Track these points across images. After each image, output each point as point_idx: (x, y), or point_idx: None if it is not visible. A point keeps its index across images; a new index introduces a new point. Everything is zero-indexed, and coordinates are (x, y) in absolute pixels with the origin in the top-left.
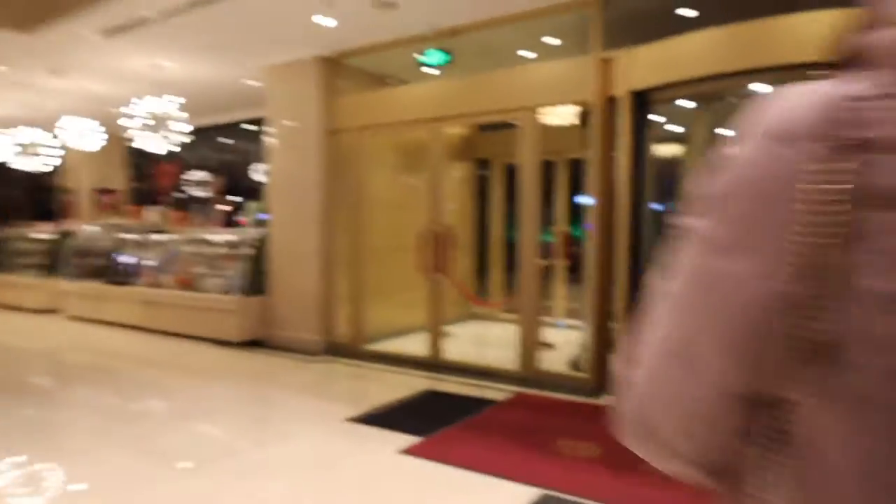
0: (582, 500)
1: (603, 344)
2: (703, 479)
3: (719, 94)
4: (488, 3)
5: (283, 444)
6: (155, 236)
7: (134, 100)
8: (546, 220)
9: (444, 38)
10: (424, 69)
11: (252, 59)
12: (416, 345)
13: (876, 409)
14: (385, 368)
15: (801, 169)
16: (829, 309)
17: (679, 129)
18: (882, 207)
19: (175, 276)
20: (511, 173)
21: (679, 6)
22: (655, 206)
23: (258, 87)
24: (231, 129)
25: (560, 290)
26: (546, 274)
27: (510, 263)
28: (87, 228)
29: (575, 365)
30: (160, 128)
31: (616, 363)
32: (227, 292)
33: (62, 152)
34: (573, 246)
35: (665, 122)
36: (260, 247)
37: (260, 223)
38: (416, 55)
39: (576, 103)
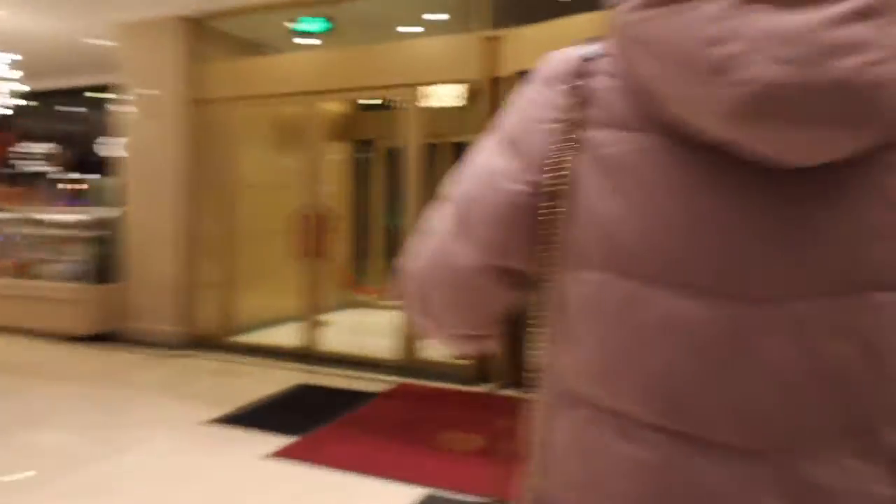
0: (468, 498)
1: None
2: (468, 348)
3: None
4: None
5: (134, 452)
6: None
7: None
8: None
9: (323, 5)
10: (302, 39)
11: (102, 13)
12: (290, 335)
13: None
14: (255, 362)
15: (554, 102)
16: (565, 197)
17: None
18: (598, 126)
19: (7, 261)
20: (393, 156)
21: None
22: None
23: (110, 48)
24: (78, 95)
25: None
26: None
27: (392, 249)
28: None
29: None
30: None
31: (401, 257)
32: (71, 280)
33: None
34: None
35: None
36: (112, 229)
37: (113, 202)
38: (288, 23)
39: (461, 82)
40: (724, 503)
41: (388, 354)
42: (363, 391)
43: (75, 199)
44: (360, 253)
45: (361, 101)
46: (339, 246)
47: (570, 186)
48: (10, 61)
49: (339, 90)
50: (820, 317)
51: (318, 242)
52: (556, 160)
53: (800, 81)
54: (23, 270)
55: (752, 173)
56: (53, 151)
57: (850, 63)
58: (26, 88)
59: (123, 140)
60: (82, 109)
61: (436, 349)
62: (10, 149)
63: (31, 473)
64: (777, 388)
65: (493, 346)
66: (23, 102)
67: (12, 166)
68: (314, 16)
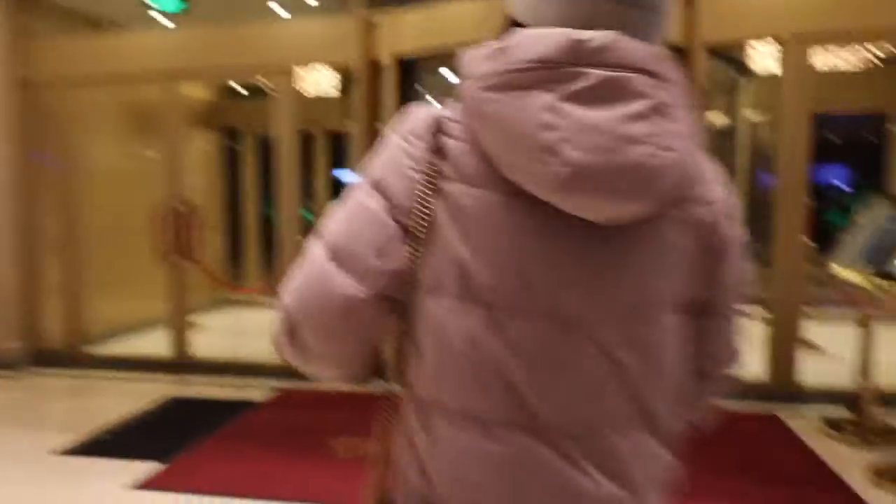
0: None
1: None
2: (342, 375)
3: None
4: None
5: None
6: None
7: None
8: (307, 197)
9: None
10: (153, 14)
11: None
12: (156, 343)
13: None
14: (115, 376)
15: (415, 154)
16: (427, 237)
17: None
18: (450, 180)
19: None
20: (266, 145)
21: None
22: None
23: None
24: None
25: None
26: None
27: (269, 243)
28: None
29: None
30: None
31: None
32: None
33: None
34: None
35: (432, 95)
36: None
37: None
38: None
39: (337, 67)
40: (554, 473)
41: (269, 358)
42: (243, 400)
43: None
44: (234, 249)
45: (230, 87)
46: (210, 242)
47: (430, 229)
48: None
49: (202, 72)
50: (615, 332)
51: (184, 239)
52: (419, 207)
53: (603, 164)
54: None
55: (570, 226)
56: None
57: (640, 151)
58: None
59: None
60: None
61: None
62: None
63: None
64: (585, 387)
65: (367, 377)
66: None
67: None
68: None
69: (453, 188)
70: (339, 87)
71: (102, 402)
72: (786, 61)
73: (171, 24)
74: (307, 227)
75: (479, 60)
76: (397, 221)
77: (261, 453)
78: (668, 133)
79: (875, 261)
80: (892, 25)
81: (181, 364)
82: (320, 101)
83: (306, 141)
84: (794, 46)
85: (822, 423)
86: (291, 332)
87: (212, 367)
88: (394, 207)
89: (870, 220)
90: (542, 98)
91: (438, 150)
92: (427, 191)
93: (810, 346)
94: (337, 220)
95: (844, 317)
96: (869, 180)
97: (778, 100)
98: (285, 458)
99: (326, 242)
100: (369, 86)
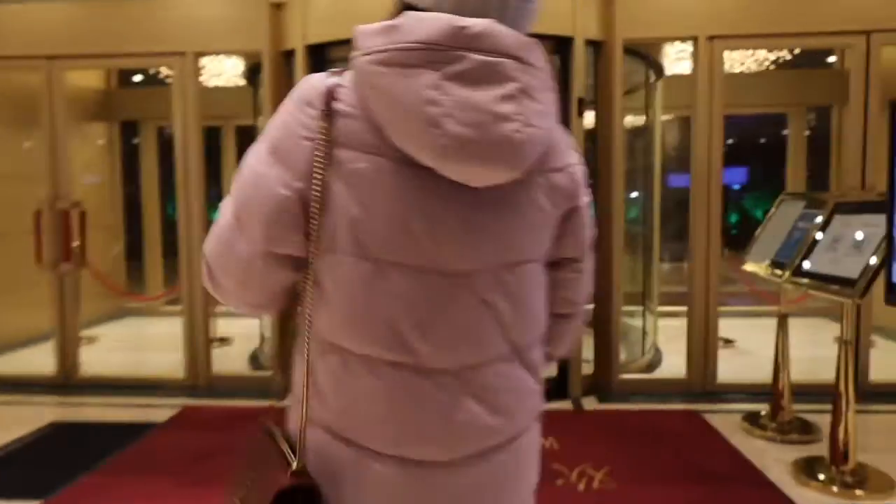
0: None
1: (287, 331)
2: (261, 313)
3: None
4: None
5: None
6: None
7: None
8: (214, 196)
9: None
10: None
11: None
12: (41, 360)
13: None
14: None
15: (308, 122)
16: (322, 201)
17: None
18: (339, 146)
19: None
20: (169, 140)
21: None
22: None
23: None
24: None
25: None
26: None
27: (173, 247)
28: None
29: (256, 361)
30: None
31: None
32: None
33: None
34: None
35: None
36: None
37: None
38: None
39: (245, 54)
40: (437, 405)
41: (171, 372)
42: (138, 422)
43: None
44: (135, 253)
45: (128, 75)
46: (107, 246)
47: (325, 193)
48: None
49: (91, 55)
50: (489, 282)
51: (70, 244)
52: (314, 172)
53: (477, 137)
54: None
55: (451, 190)
56: None
57: (509, 127)
58: None
59: None
60: None
61: (230, 361)
62: None
63: None
64: (463, 329)
65: (280, 312)
66: None
67: None
68: None
69: (346, 154)
70: (248, 77)
71: None
72: (700, 62)
73: None
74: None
75: (370, 35)
76: (294, 188)
77: (158, 484)
78: (532, 112)
79: (787, 258)
80: (801, 30)
81: (68, 383)
82: (227, 93)
83: (213, 136)
84: (708, 48)
85: (741, 419)
86: (210, 274)
87: (106, 386)
88: (290, 174)
89: (781, 219)
90: (428, 76)
91: (330, 117)
92: (320, 157)
93: (723, 340)
94: (238, 182)
95: (749, 312)
96: (765, 180)
97: (693, 100)
98: (184, 488)
99: (230, 203)
100: (278, 75)
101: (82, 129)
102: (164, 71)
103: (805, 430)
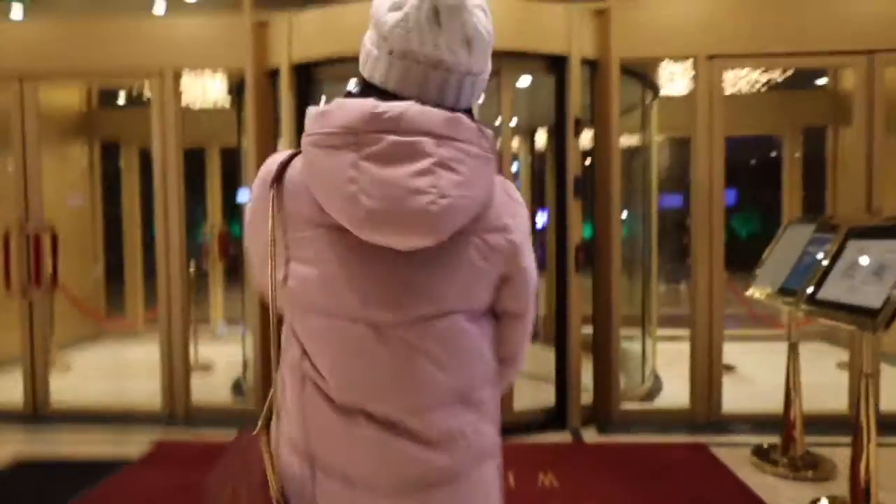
0: None
1: (270, 360)
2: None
3: None
4: None
5: None
6: None
7: None
8: (198, 218)
9: None
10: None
11: None
12: (8, 389)
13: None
14: None
15: (267, 199)
16: (286, 265)
17: None
18: (287, 217)
19: None
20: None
21: None
22: None
23: None
24: None
25: (217, 296)
26: (200, 279)
27: (154, 269)
28: None
29: (238, 389)
30: None
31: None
32: None
33: None
34: (231, 246)
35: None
36: None
37: None
38: None
39: (227, 72)
40: (376, 449)
41: (147, 402)
42: (110, 459)
43: None
44: (113, 276)
45: (109, 94)
46: (86, 269)
47: (282, 255)
48: None
49: (65, 73)
50: (418, 334)
51: (40, 268)
52: (273, 240)
53: (393, 210)
54: None
55: (378, 250)
56: None
57: (423, 200)
58: None
59: None
60: None
61: (211, 389)
62: None
63: None
64: (395, 378)
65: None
66: None
67: None
68: None
69: (296, 225)
70: (232, 98)
71: None
72: (700, 82)
73: (19, 17)
74: (199, 251)
75: (311, 119)
76: (264, 251)
77: None
78: (449, 183)
79: (797, 285)
80: (802, 49)
81: (38, 415)
82: (210, 115)
83: (197, 158)
84: (707, 67)
85: (750, 453)
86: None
87: (77, 418)
88: (259, 240)
89: (789, 244)
90: (349, 157)
91: (281, 191)
92: (280, 227)
93: (725, 367)
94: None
95: (746, 336)
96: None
97: (692, 121)
98: None
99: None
100: (262, 96)
101: (60, 150)
102: (147, 92)
103: (818, 466)
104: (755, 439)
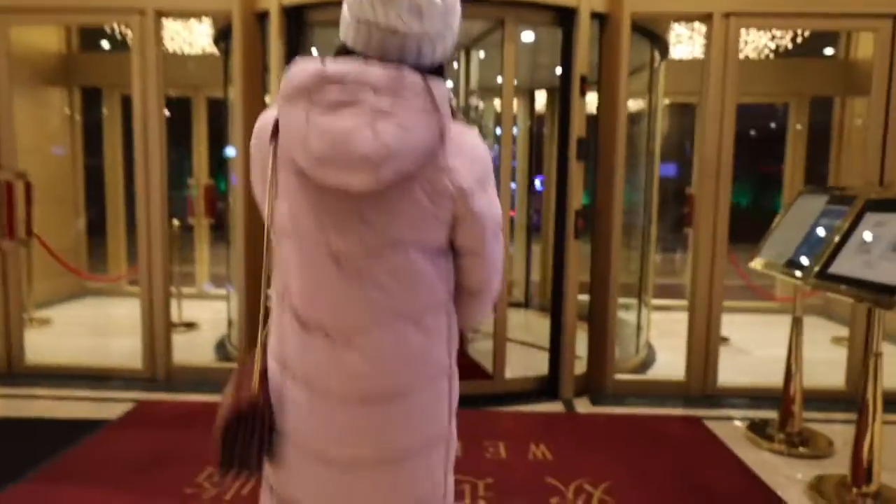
0: None
1: (256, 319)
2: None
3: None
4: None
5: None
6: None
7: None
8: (184, 171)
9: None
10: None
11: None
12: None
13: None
14: None
15: (263, 148)
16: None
17: None
18: (279, 164)
19: None
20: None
21: None
22: None
23: None
24: None
25: (203, 253)
26: (184, 234)
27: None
28: None
29: (223, 350)
30: None
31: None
32: None
33: None
34: (218, 201)
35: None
36: None
37: None
38: None
39: (213, 15)
40: (336, 356)
41: (127, 361)
42: (88, 419)
43: None
44: (95, 229)
45: (91, 38)
46: (67, 221)
47: (273, 194)
48: None
49: (37, 10)
50: (371, 263)
51: (13, 218)
52: (269, 182)
53: (334, 152)
54: None
55: (335, 191)
56: None
57: (360, 143)
58: None
59: None
60: None
61: (194, 349)
62: None
63: None
64: (346, 300)
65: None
66: None
67: None
68: None
69: (280, 168)
70: (218, 43)
71: None
72: (714, 42)
73: None
74: (184, 206)
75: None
76: (262, 190)
77: (102, 494)
78: (387, 130)
79: (807, 258)
80: (824, 10)
81: (11, 373)
82: (198, 61)
83: (183, 107)
84: (723, 26)
85: (746, 429)
86: None
87: (54, 376)
88: (258, 183)
89: (800, 215)
90: (301, 107)
91: (272, 144)
92: (271, 171)
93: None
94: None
95: (740, 308)
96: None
97: (703, 85)
98: (134, 500)
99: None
100: (251, 41)
101: (37, 95)
102: (118, 29)
103: (815, 443)
104: (750, 414)
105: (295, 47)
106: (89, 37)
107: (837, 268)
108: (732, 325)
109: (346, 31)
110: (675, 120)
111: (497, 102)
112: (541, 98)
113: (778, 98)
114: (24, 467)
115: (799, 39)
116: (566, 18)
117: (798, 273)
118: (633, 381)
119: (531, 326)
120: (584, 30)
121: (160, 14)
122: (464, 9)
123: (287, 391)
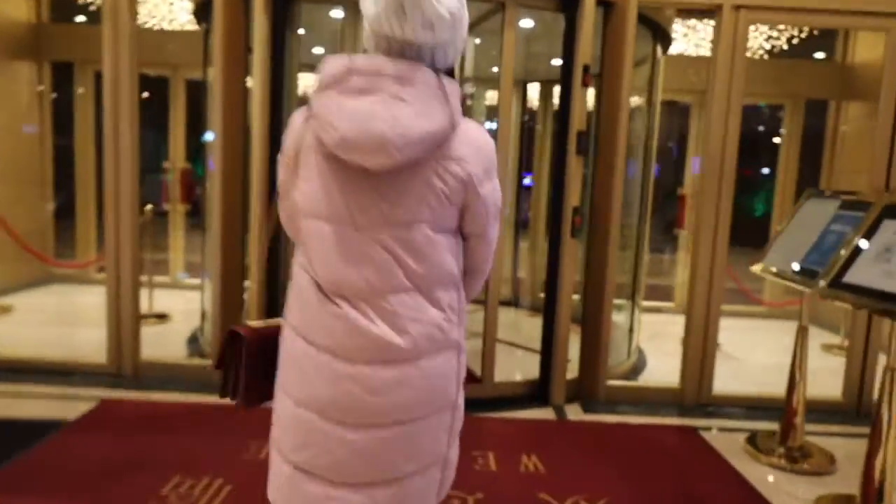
0: None
1: (231, 311)
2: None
3: None
4: None
5: None
6: None
7: None
8: (160, 154)
9: None
10: None
11: None
12: None
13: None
14: None
15: (300, 131)
16: (297, 173)
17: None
18: (311, 146)
19: None
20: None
21: None
22: None
23: None
24: None
25: (178, 241)
26: (158, 221)
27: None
28: None
29: (195, 344)
30: None
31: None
32: None
33: None
34: (195, 187)
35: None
36: None
37: None
38: None
39: None
40: (353, 320)
41: (91, 355)
42: (43, 419)
43: None
44: (65, 213)
45: (63, 9)
46: (32, 204)
47: (299, 177)
48: None
49: None
50: (388, 237)
51: None
52: (298, 162)
53: (357, 133)
54: None
55: (357, 171)
56: None
57: (379, 125)
58: None
59: None
60: None
61: (164, 343)
62: None
63: None
64: (371, 267)
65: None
66: None
67: None
68: None
69: (310, 150)
70: (199, 21)
71: None
72: (723, 36)
73: None
74: (158, 191)
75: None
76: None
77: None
78: (404, 115)
79: (818, 265)
80: (836, 6)
81: None
82: (176, 38)
83: (161, 87)
84: (732, 20)
85: (745, 441)
86: None
87: (11, 370)
88: (290, 163)
89: (808, 219)
90: (331, 93)
91: (308, 128)
92: (305, 153)
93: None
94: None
95: (731, 312)
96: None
97: (710, 81)
98: None
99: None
100: (234, 18)
101: (3, 69)
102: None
103: (816, 458)
104: (748, 425)
105: (282, 25)
106: (62, 6)
107: (853, 277)
108: (721, 329)
109: (368, 42)
110: (663, 119)
111: (489, 95)
112: (534, 92)
113: (773, 99)
114: None
115: (795, 41)
116: (570, 4)
117: (808, 281)
118: (627, 388)
119: (519, 326)
120: (590, 16)
121: None
122: None
123: (308, 360)
